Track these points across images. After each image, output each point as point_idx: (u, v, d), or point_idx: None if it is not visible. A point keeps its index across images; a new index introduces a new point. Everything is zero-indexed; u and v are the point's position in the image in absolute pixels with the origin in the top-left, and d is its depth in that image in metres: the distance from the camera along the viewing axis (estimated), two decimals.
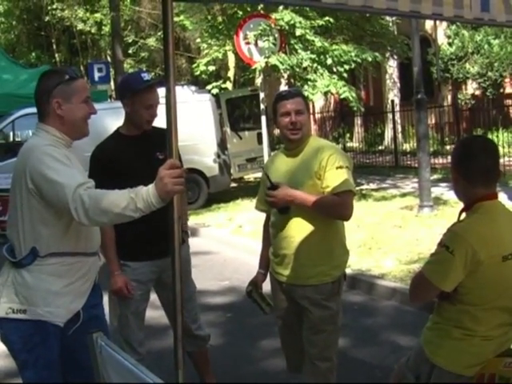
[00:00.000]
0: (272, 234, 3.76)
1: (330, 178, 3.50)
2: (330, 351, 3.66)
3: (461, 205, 2.93)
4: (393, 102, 19.41)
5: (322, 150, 3.59)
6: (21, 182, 2.83)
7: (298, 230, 3.58)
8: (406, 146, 18.92)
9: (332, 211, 3.52)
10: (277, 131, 25.47)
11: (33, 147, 2.89)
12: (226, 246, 9.72)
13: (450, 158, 3.02)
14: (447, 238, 2.75)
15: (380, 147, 20.30)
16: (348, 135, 21.78)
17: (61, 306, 2.90)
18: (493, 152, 2.88)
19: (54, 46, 33.14)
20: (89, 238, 3.00)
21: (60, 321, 2.92)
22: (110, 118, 8.61)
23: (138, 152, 3.90)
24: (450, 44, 20.69)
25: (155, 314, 4.98)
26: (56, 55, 32.99)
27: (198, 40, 15.45)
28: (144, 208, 2.51)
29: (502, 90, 19.92)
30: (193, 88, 14.40)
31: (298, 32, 11.98)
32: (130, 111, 3.91)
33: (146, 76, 3.92)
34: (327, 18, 12.49)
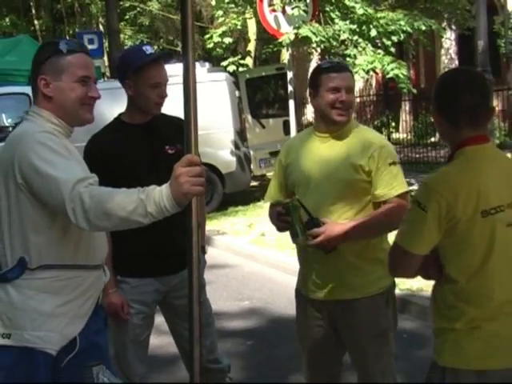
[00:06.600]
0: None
1: (386, 179, 3.55)
2: None
3: None
4: None
5: (370, 140, 3.64)
6: (7, 177, 2.82)
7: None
8: None
9: (394, 225, 3.19)
10: (308, 117, 25.45)
11: (23, 134, 2.87)
12: (245, 258, 9.75)
13: None
14: (418, 193, 2.81)
15: (433, 139, 20.17)
16: (393, 124, 21.66)
17: (53, 330, 2.88)
18: (479, 86, 2.89)
19: (34, 11, 33.25)
20: (91, 247, 2.99)
21: (52, 348, 2.88)
22: (105, 101, 8.60)
23: (143, 145, 3.91)
24: None
25: (162, 341, 4.99)
26: (35, 22, 33.09)
27: (213, 2, 15.37)
28: (155, 213, 2.51)
29: None
30: (205, 65, 14.34)
31: None
32: (134, 94, 3.91)
33: (149, 49, 3.93)
34: None
